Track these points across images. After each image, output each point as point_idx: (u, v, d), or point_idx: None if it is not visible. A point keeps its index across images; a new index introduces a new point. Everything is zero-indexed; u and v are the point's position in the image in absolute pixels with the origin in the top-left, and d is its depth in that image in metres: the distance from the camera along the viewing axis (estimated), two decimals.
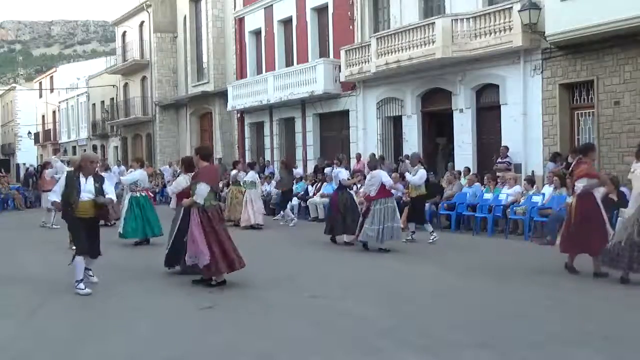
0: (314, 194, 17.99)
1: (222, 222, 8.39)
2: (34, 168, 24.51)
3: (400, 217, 12.07)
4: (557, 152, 14.31)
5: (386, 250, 11.08)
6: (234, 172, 16.80)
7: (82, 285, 7.83)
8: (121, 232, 12.30)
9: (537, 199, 12.87)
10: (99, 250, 8.11)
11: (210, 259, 7.87)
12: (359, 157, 19.25)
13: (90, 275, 8.28)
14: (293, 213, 18.15)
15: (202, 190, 7.96)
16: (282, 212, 16.92)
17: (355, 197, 12.83)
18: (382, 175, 11.34)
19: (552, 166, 14.07)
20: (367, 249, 11.31)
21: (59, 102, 50.81)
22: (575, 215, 8.47)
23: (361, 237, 11.31)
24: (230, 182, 17.01)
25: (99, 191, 7.98)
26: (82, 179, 7.93)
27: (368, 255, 10.95)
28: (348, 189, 12.75)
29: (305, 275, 9.06)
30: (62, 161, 19.17)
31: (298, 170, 18.22)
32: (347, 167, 19.83)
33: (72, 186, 7.89)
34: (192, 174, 8.65)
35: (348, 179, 12.84)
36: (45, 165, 18.51)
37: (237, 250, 8.19)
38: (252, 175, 16.09)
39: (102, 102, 41.43)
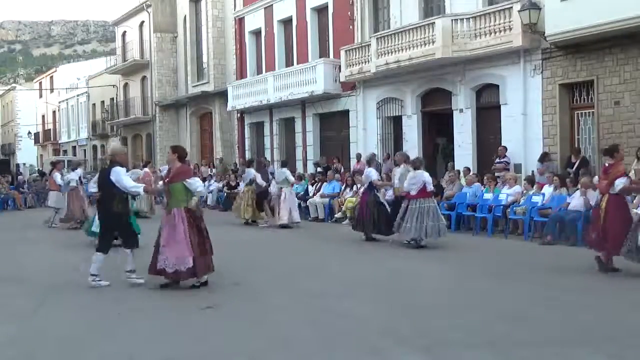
0: (314, 194, 18.00)
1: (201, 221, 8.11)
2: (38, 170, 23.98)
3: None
4: (546, 152, 14.39)
5: (422, 246, 11.38)
6: (251, 171, 16.48)
7: (98, 278, 8.07)
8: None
9: (537, 199, 12.87)
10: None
11: (192, 261, 7.71)
12: (359, 157, 19.24)
13: (133, 277, 8.29)
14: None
15: (199, 183, 7.98)
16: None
17: (380, 197, 12.94)
18: (425, 176, 11.47)
19: (539, 166, 14.17)
20: (421, 246, 11.42)
21: (59, 102, 50.80)
22: (610, 214, 8.44)
23: (402, 236, 11.54)
24: (245, 182, 16.55)
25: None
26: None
27: (368, 255, 10.96)
28: (376, 190, 12.88)
29: (305, 275, 9.06)
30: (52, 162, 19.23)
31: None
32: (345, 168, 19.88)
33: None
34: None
35: (379, 180, 13.14)
36: (55, 165, 18.34)
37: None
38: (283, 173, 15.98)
39: (102, 102, 41.42)
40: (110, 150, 9.32)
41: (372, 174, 12.78)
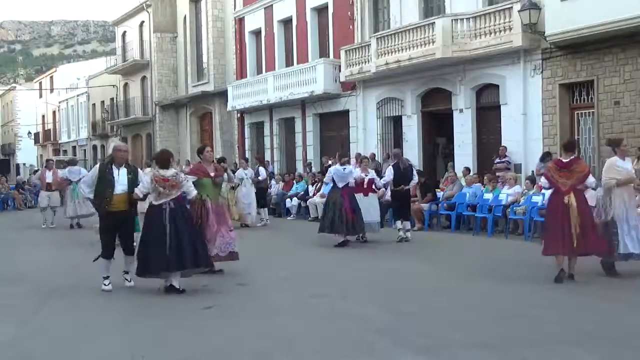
0: (314, 194, 17.99)
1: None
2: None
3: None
4: (548, 151, 14.35)
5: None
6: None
7: (107, 282, 7.88)
8: None
9: (537, 199, 12.85)
10: (133, 247, 7.97)
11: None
12: (358, 157, 19.20)
13: (127, 280, 8.13)
14: (292, 212, 18.29)
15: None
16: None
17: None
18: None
19: (538, 165, 14.12)
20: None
21: (59, 102, 50.79)
22: (578, 214, 7.89)
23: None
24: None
25: (133, 183, 7.74)
26: (115, 170, 7.80)
27: (368, 255, 10.96)
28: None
29: (305, 275, 9.07)
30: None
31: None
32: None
33: (105, 179, 7.72)
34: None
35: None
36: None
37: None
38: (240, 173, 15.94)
39: (102, 102, 41.41)
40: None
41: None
